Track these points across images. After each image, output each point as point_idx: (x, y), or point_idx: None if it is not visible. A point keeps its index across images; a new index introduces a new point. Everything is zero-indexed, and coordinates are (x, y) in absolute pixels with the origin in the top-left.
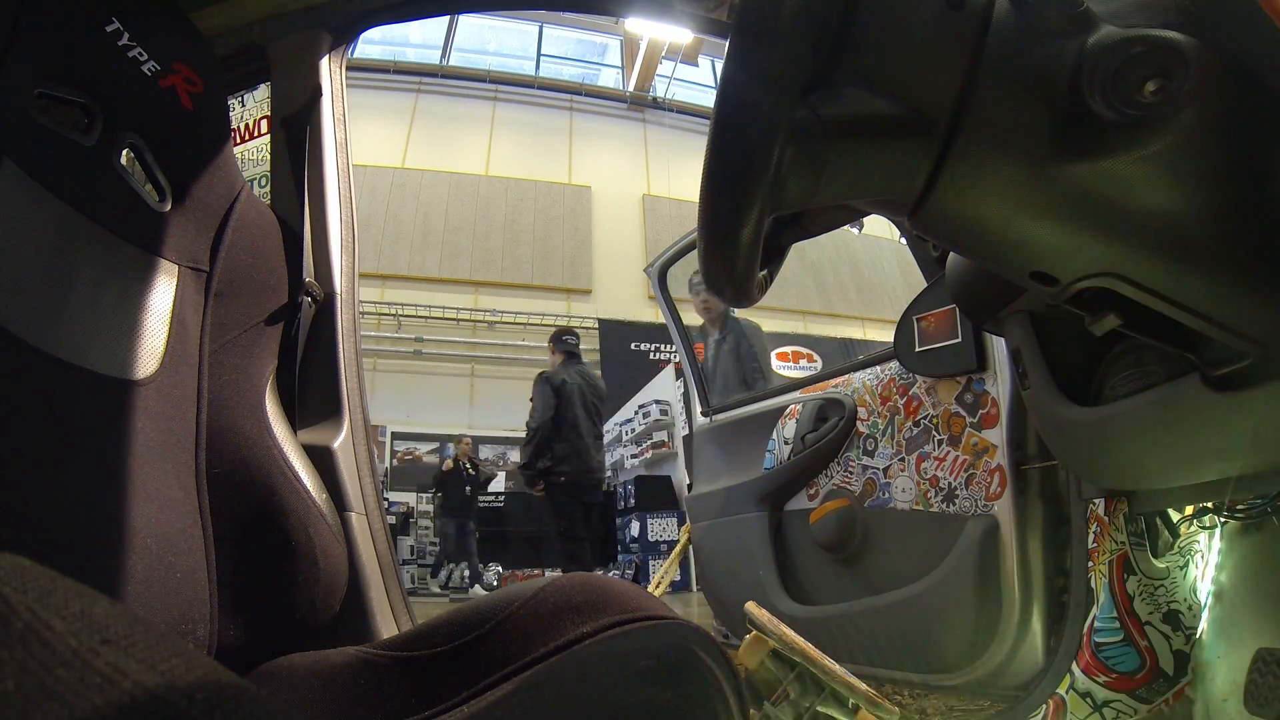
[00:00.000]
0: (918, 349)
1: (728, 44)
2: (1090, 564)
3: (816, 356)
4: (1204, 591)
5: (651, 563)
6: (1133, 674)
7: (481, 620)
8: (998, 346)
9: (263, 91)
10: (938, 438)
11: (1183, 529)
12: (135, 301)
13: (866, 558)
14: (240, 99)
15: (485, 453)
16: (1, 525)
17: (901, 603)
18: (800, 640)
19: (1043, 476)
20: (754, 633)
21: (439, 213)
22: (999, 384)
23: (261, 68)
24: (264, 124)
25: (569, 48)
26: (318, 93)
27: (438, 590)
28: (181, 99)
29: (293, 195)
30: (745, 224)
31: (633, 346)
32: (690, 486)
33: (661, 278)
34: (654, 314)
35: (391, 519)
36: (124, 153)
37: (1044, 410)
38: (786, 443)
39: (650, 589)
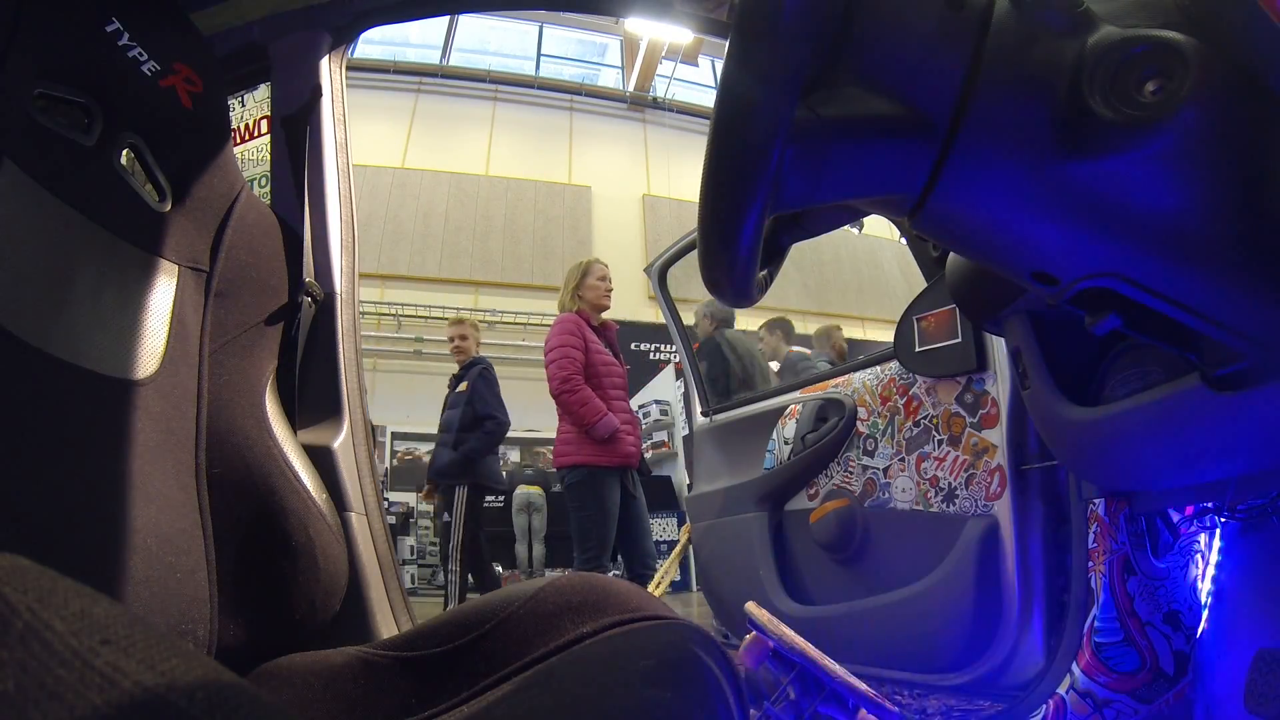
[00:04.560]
0: (918, 349)
1: (728, 44)
2: (1090, 564)
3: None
4: (1204, 591)
5: None
6: (1133, 674)
7: (481, 620)
8: (998, 346)
9: (263, 91)
10: (938, 438)
11: (1183, 529)
12: (135, 301)
13: (866, 558)
14: (240, 99)
15: None
16: (1, 525)
17: (901, 603)
18: (800, 640)
19: (1043, 476)
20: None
21: (439, 213)
22: (999, 384)
23: (261, 68)
24: (264, 124)
25: (569, 48)
26: (318, 93)
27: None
28: (181, 99)
29: (293, 195)
30: (745, 224)
31: (633, 346)
32: (690, 486)
33: (661, 278)
34: (654, 314)
35: (391, 519)
36: (124, 153)
37: (1044, 410)
38: (786, 443)
39: (650, 589)
